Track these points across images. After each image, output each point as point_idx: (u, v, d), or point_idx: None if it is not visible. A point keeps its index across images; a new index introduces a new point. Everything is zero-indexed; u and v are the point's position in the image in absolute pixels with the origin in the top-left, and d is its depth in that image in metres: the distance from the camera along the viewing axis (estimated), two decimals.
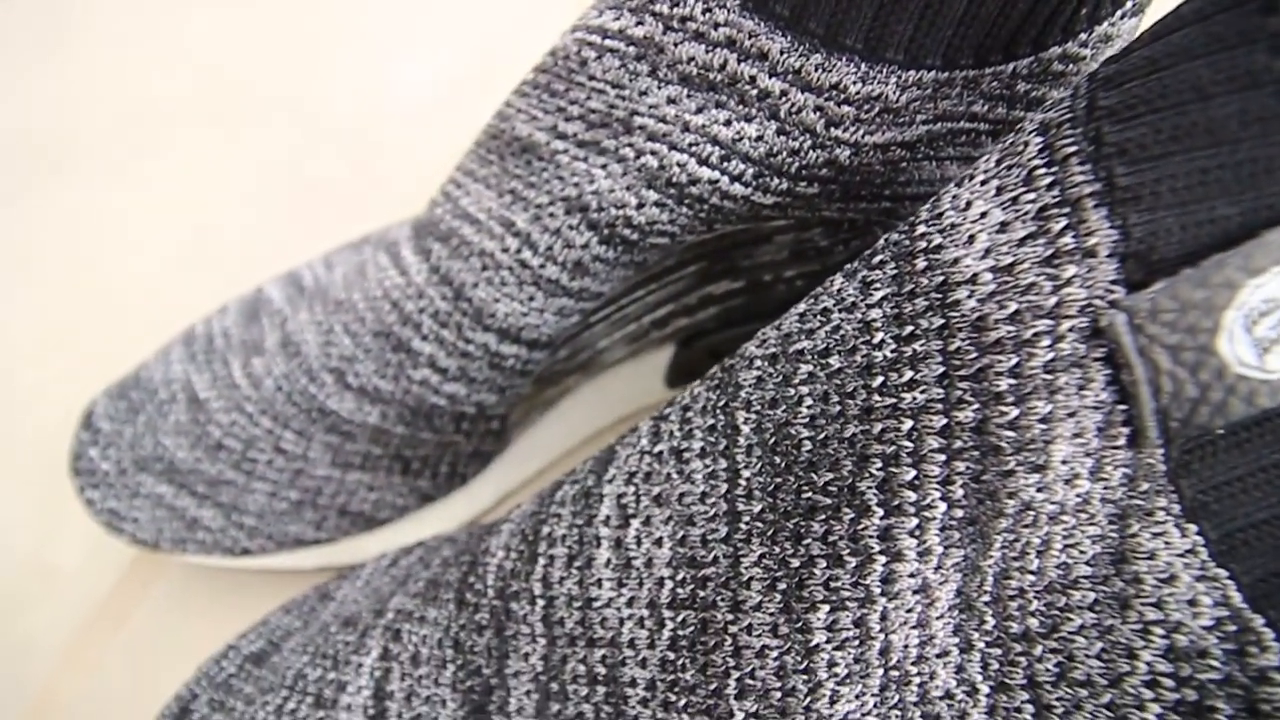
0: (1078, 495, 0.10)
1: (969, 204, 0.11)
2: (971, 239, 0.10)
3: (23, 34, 0.36)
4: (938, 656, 0.11)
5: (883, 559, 0.11)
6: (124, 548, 0.25)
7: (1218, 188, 0.09)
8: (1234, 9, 0.09)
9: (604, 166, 0.14)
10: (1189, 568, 0.10)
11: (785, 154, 0.13)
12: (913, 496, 0.10)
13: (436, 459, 0.20)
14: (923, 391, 0.10)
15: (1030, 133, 0.10)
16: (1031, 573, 0.11)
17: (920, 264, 0.11)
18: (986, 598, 0.11)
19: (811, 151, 0.13)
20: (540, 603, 0.14)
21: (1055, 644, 0.11)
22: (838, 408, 0.11)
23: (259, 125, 0.32)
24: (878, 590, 0.11)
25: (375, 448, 0.19)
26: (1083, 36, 0.12)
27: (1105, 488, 0.10)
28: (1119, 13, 0.13)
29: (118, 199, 0.31)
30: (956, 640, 0.11)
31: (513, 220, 0.15)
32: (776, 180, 0.13)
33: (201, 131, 0.33)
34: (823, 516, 0.11)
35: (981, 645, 0.11)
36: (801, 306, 0.12)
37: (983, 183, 0.11)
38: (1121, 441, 0.10)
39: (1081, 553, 0.11)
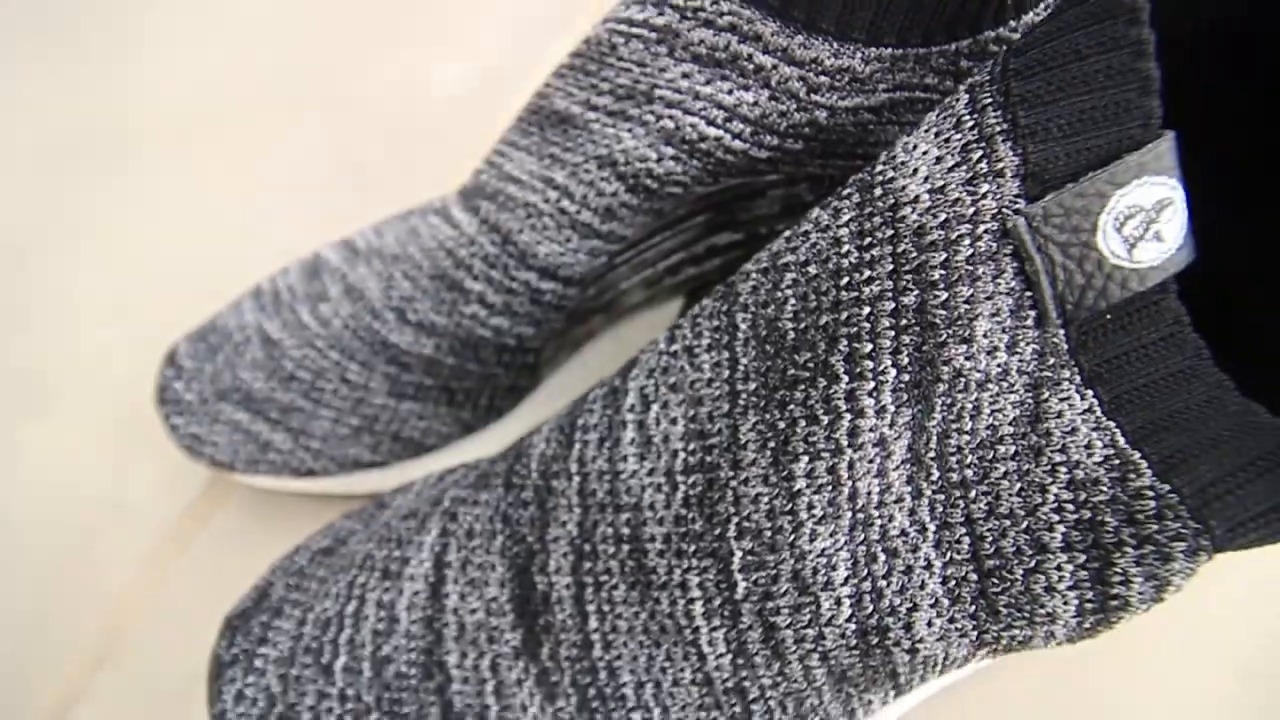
0: (999, 366, 0.13)
1: (915, 146, 0.14)
2: (915, 170, 0.14)
3: (98, 34, 0.39)
4: (894, 502, 0.14)
5: (849, 416, 0.14)
6: (189, 486, 0.28)
7: (1091, 124, 0.12)
8: None
9: (629, 130, 0.17)
10: (1086, 422, 0.13)
11: (775, 115, 0.16)
12: (870, 365, 0.13)
13: (478, 392, 0.23)
14: (878, 285, 0.13)
15: (961, 91, 0.14)
16: (966, 433, 0.14)
17: (878, 192, 0.14)
18: (932, 453, 0.14)
19: (796, 113, 0.16)
20: (576, 479, 0.17)
21: (985, 488, 0.14)
22: (814, 303, 0.14)
23: (308, 116, 0.36)
24: (845, 443, 0.14)
25: (427, 378, 0.22)
26: (1012, 23, 0.16)
27: (1020, 360, 0.13)
28: (1042, 4, 0.16)
29: (179, 182, 0.35)
30: (909, 488, 0.14)
31: (552, 177, 0.19)
32: (769, 137, 0.16)
33: (255, 119, 0.36)
34: (802, 386, 0.14)
35: (929, 492, 0.14)
36: (787, 232, 0.15)
37: (925, 130, 0.14)
38: (1030, 322, 0.13)
39: (1005, 415, 0.14)
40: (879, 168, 0.14)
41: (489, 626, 0.17)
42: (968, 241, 0.13)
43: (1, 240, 0.34)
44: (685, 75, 0.16)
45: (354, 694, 0.18)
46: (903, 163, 0.14)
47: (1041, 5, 0.16)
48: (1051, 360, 0.13)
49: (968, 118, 0.13)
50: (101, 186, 0.35)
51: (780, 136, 0.16)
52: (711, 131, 0.16)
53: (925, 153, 0.14)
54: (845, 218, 0.14)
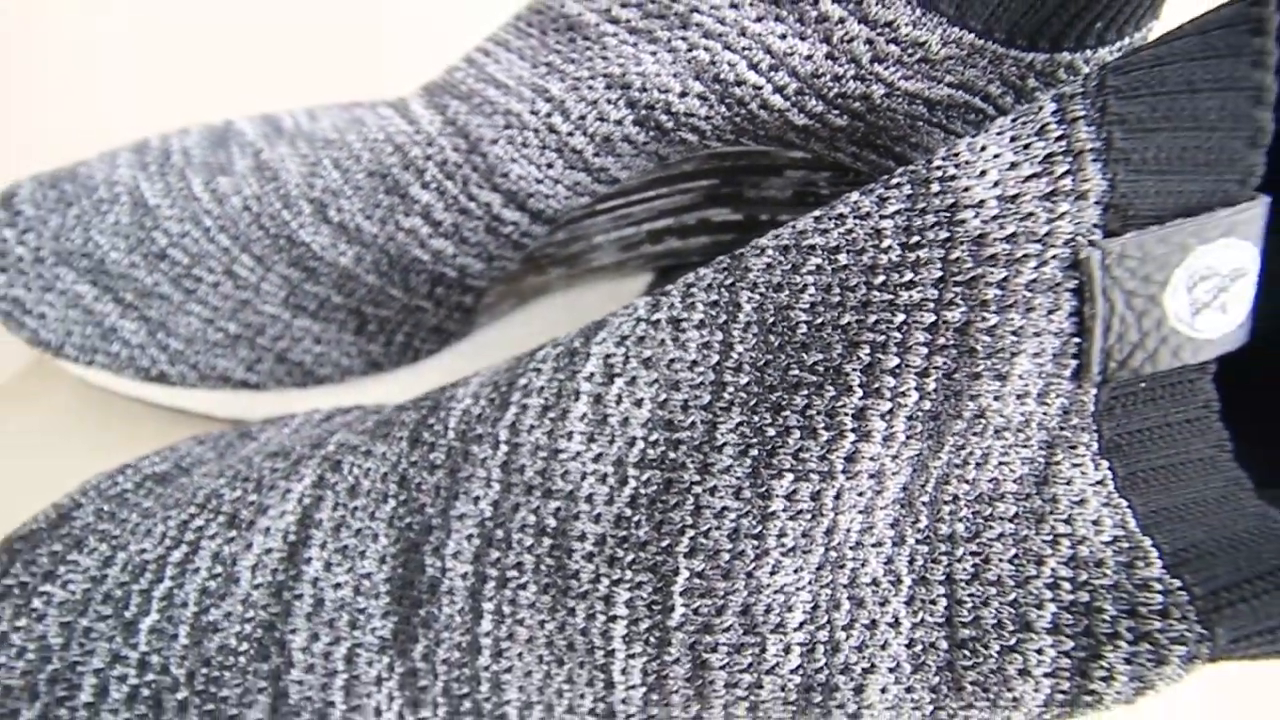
0: (1022, 415, 0.12)
1: (984, 147, 0.12)
2: (983, 172, 0.12)
3: None
4: (873, 545, 0.12)
5: (852, 436, 0.11)
6: (11, 359, 0.22)
7: (1190, 165, 0.11)
8: (1229, 27, 0.11)
9: (654, 54, 0.15)
10: (1098, 495, 0.12)
11: (829, 77, 0.14)
12: (892, 382, 0.11)
13: (396, 324, 0.19)
14: (919, 291, 0.11)
15: (1046, 99, 0.12)
16: (967, 481, 0.12)
17: (934, 188, 0.12)
18: (925, 498, 0.12)
19: (851, 81, 0.14)
20: (503, 449, 0.14)
21: (975, 548, 0.12)
22: (838, 298, 0.12)
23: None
24: (840, 467, 0.12)
25: (336, 295, 0.18)
26: (1088, 54, 0.14)
27: (1045, 414, 0.12)
28: (1118, 44, 0.15)
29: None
30: (892, 533, 0.12)
31: (547, 88, 0.16)
32: (813, 102, 0.14)
33: None
34: (805, 392, 0.12)
35: (912, 541, 0.12)
36: (818, 211, 0.13)
37: (998, 133, 0.12)
38: (1068, 373, 0.11)
39: (1012, 471, 0.12)
40: (937, 162, 0.12)
41: (354, 608, 0.14)
42: (1033, 263, 0.11)
43: None
44: (734, 5, 0.14)
45: (159, 663, 0.14)
46: (967, 161, 0.12)
47: (1117, 45, 0.15)
48: (1074, 420, 0.12)
49: (1054, 127, 0.11)
50: None
51: (826, 104, 0.14)
52: (751, 76, 0.14)
53: (998, 156, 0.12)
54: (892, 209, 0.12)
